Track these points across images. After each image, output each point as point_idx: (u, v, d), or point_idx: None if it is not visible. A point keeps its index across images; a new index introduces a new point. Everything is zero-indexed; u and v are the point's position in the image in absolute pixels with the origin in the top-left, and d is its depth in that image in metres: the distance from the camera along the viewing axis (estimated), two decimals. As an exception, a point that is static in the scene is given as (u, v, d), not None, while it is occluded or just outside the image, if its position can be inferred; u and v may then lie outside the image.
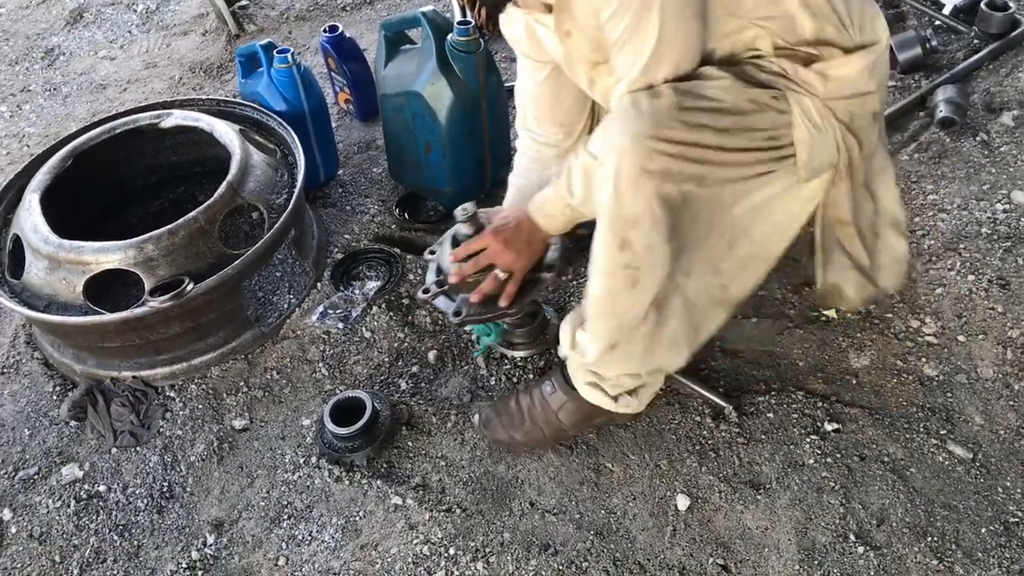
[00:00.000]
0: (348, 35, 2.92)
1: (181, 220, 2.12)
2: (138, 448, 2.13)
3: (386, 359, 2.25)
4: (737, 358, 2.17)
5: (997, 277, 2.28)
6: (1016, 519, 1.83)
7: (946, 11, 3.05)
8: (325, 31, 2.88)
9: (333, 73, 2.97)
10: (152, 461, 2.10)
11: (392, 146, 2.66)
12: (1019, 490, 1.87)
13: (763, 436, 2.01)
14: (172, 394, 2.23)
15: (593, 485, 1.95)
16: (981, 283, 2.27)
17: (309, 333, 2.32)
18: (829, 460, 1.95)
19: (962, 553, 1.78)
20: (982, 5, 2.98)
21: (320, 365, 2.25)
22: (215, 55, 3.34)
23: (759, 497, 1.90)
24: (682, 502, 1.90)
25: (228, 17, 3.38)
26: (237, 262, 2.10)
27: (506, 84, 2.57)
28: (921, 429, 2.00)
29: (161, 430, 2.16)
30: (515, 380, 2.17)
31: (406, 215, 2.64)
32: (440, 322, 2.32)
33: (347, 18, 3.45)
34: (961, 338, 2.16)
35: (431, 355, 2.24)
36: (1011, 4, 2.97)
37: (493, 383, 2.18)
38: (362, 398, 2.04)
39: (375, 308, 2.35)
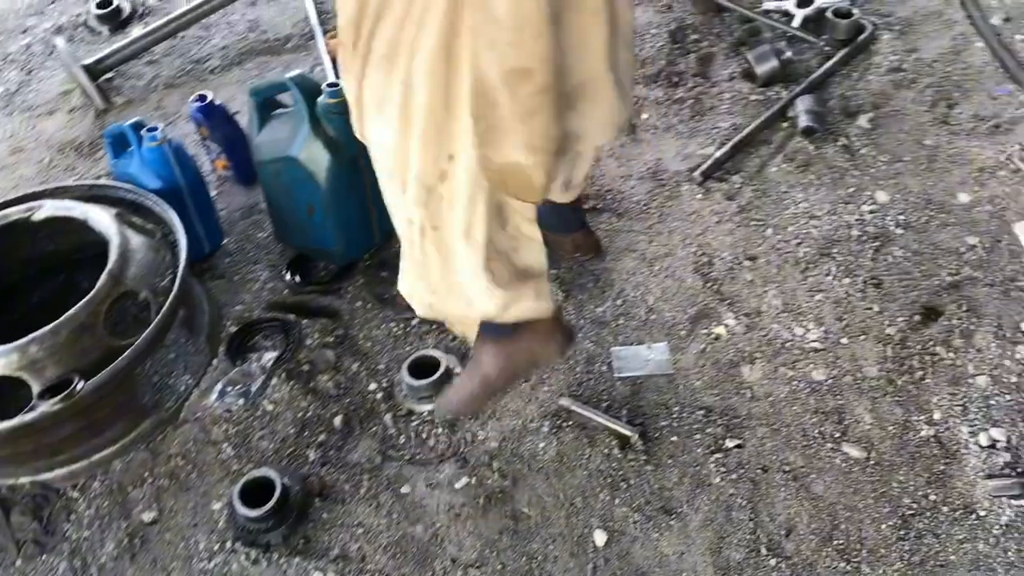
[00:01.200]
0: (218, 102, 2.89)
1: (63, 318, 2.07)
2: (44, 556, 2.06)
3: (292, 430, 2.23)
4: (636, 385, 2.23)
5: (871, 277, 2.40)
6: (912, 511, 1.92)
7: (796, 23, 3.19)
8: (194, 100, 2.84)
9: (207, 141, 2.93)
10: (60, 569, 2.04)
11: (275, 211, 2.64)
12: (912, 482, 1.97)
13: (669, 460, 2.07)
14: (75, 494, 2.17)
15: (512, 533, 1.97)
16: (857, 285, 2.38)
17: (210, 413, 2.28)
18: (734, 476, 2.02)
19: (867, 552, 1.86)
20: (828, 14, 3.13)
21: (225, 445, 2.22)
22: (84, 132, 3.26)
23: (672, 522, 1.95)
24: (600, 538, 1.94)
25: (93, 93, 3.30)
26: (126, 354, 2.06)
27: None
28: (816, 434, 2.08)
29: (67, 534, 2.10)
30: (424, 436, 2.18)
31: (298, 278, 2.62)
32: (343, 385, 2.32)
33: (217, 81, 3.41)
34: (844, 340, 2.27)
35: (337, 420, 2.24)
36: (854, 11, 3.12)
37: (403, 442, 2.18)
38: (270, 476, 2.02)
39: (275, 379, 2.33)
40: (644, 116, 3.07)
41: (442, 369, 2.22)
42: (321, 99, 2.40)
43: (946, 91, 2.90)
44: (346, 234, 2.59)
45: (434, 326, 2.40)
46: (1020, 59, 2.94)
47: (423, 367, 2.25)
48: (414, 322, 2.42)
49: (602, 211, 2.69)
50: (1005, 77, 2.90)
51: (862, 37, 3.13)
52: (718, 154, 2.81)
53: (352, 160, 2.46)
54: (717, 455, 2.06)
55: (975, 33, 3.08)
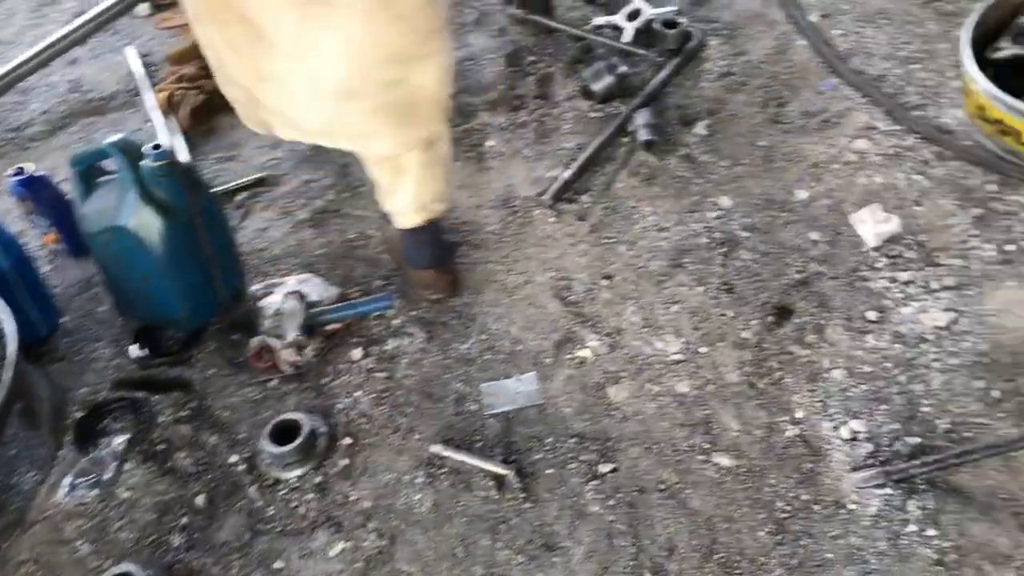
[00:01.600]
0: (40, 172, 2.72)
1: None
2: None
3: (152, 517, 2.11)
4: (508, 420, 2.19)
5: (722, 283, 2.43)
6: (786, 514, 1.95)
7: (626, 37, 3.23)
8: (12, 174, 2.67)
9: (33, 215, 2.76)
10: None
11: (111, 283, 2.50)
12: (783, 484, 2.00)
13: (547, 494, 2.04)
14: (-86, 621, 1.98)
15: (394, 595, 1.91)
16: (710, 292, 2.42)
17: (61, 510, 2.14)
18: (612, 502, 2.01)
19: (748, 562, 1.87)
20: (655, 25, 3.18)
21: (80, 543, 2.08)
22: None
23: (555, 559, 1.93)
24: (484, 587, 1.89)
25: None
26: (-45, 463, 1.89)
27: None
28: (687, 448, 2.09)
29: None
30: (294, 505, 2.09)
31: (145, 351, 2.48)
32: (203, 461, 2.20)
33: (39, 149, 3.23)
34: (703, 349, 2.29)
35: (199, 500, 2.13)
36: (681, 21, 3.18)
37: (272, 513, 2.08)
38: (131, 572, 1.90)
39: (129, 463, 2.20)
40: (490, 144, 3.05)
41: (305, 432, 2.13)
42: (146, 162, 2.28)
43: (775, 91, 2.99)
44: (189, 299, 2.48)
45: (293, 385, 2.31)
46: (839, 53, 3.05)
47: (285, 432, 2.17)
48: (271, 384, 2.32)
49: (458, 244, 2.65)
50: (828, 72, 3.00)
51: (691, 45, 3.19)
52: (566, 175, 2.81)
53: (186, 221, 2.36)
54: (594, 482, 2.04)
55: (796, 31, 3.18)
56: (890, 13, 3.14)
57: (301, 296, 2.51)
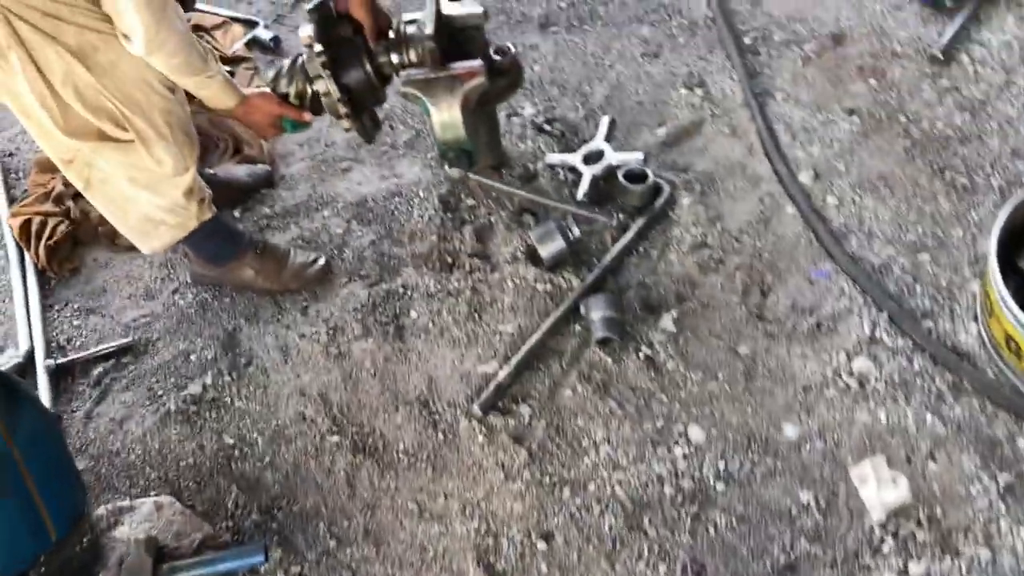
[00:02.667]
0: None
1: None
2: None
3: None
4: None
5: (692, 560, 1.91)
6: None
7: (584, 186, 2.71)
8: None
9: None
10: None
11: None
12: None
13: None
14: None
15: None
16: (675, 574, 1.88)
17: None
18: None
19: None
20: (620, 177, 2.66)
21: None
22: None
23: None
24: None
25: None
26: None
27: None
28: None
29: None
30: None
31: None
32: None
33: None
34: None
35: None
36: (649, 173, 2.66)
37: None
38: None
39: None
40: (414, 315, 2.50)
41: None
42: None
43: (758, 273, 2.49)
44: (7, 545, 1.88)
45: None
46: (834, 229, 2.56)
47: None
48: None
49: (362, 455, 2.10)
50: (820, 253, 2.50)
51: (659, 202, 2.67)
52: (501, 376, 2.29)
53: (3, 457, 1.77)
54: None
55: (784, 193, 2.68)
56: (893, 181, 2.66)
57: (150, 545, 1.93)
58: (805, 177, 2.72)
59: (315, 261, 2.61)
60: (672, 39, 3.25)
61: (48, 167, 2.88)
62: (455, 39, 2.38)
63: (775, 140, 2.84)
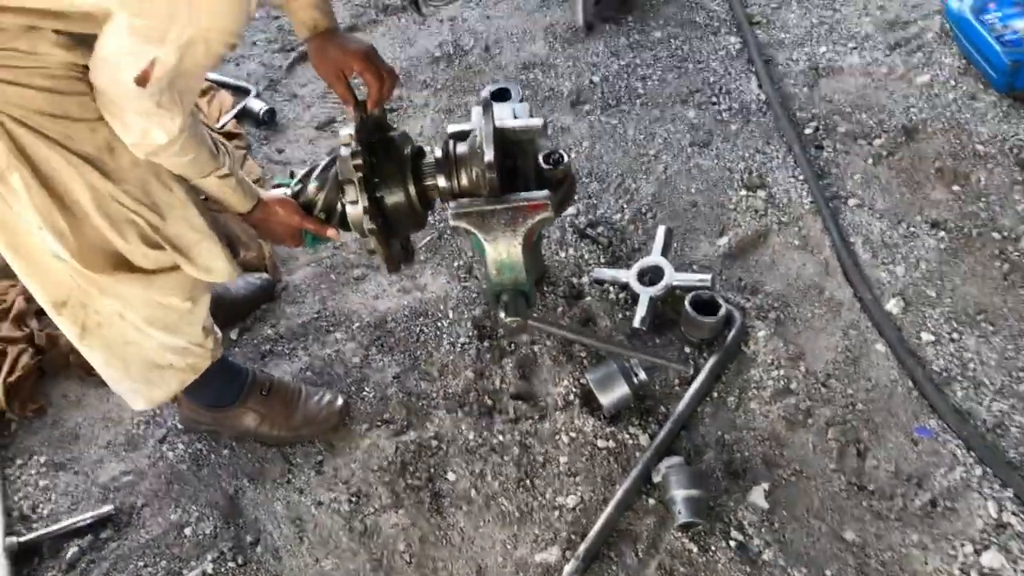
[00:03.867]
0: None
1: None
2: None
3: None
4: None
5: None
6: None
7: (640, 311, 2.36)
8: None
9: None
10: None
11: None
12: None
13: None
14: None
15: None
16: None
17: None
18: None
19: None
20: (688, 307, 2.29)
21: None
22: None
23: None
24: None
25: None
26: None
27: None
28: None
29: None
30: None
31: None
32: None
33: None
34: None
35: None
36: (719, 300, 2.30)
37: None
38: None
39: None
40: (452, 477, 2.10)
41: None
42: None
43: (852, 429, 2.14)
44: None
45: None
46: (932, 374, 2.22)
47: None
48: None
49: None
50: (921, 404, 2.16)
51: (731, 335, 2.30)
52: (568, 572, 1.88)
53: None
54: None
55: (869, 323, 2.34)
56: (994, 314, 2.33)
57: None
58: (893, 306, 2.38)
59: (331, 402, 2.20)
60: (723, 125, 2.89)
61: (5, 273, 2.40)
62: (505, 152, 1.99)
63: (854, 258, 2.49)
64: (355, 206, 1.85)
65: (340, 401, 2.22)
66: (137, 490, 2.11)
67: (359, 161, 1.80)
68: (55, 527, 2.05)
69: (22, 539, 2.02)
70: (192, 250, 1.71)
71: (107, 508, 2.08)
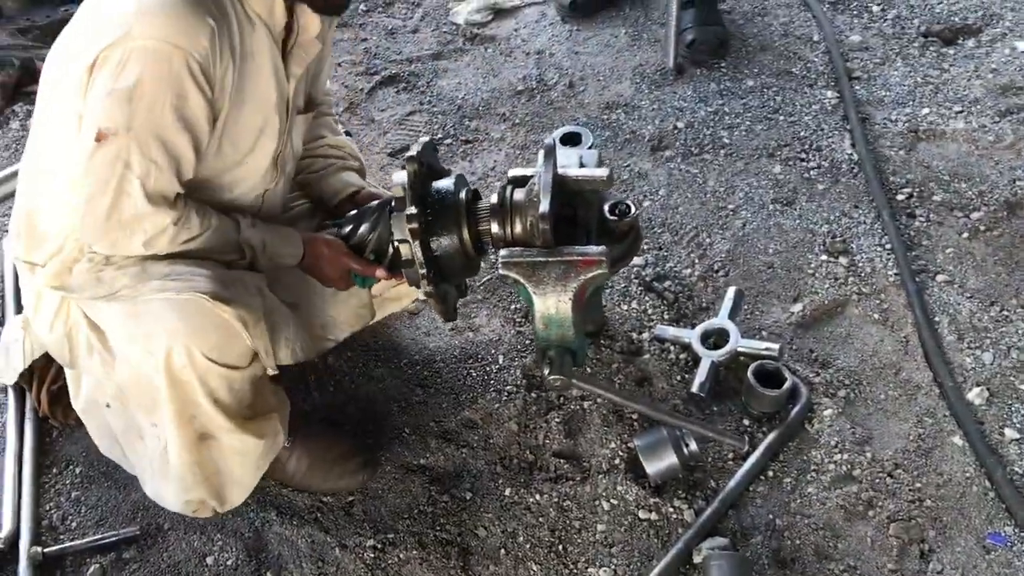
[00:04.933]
0: None
1: None
2: None
3: None
4: None
5: None
6: None
7: (700, 375, 2.25)
8: None
9: None
10: None
11: None
12: None
13: None
14: None
15: None
16: None
17: None
18: None
19: None
20: (751, 377, 2.15)
21: None
22: None
23: None
24: None
25: None
26: None
27: None
28: None
29: None
30: None
31: None
32: None
33: None
34: None
35: None
36: (786, 373, 2.15)
37: None
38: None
39: None
40: (482, 533, 2.02)
41: None
42: None
43: (918, 527, 1.98)
44: None
45: None
46: (1015, 478, 2.03)
47: None
48: None
49: None
50: (998, 509, 1.97)
51: (795, 411, 2.16)
52: (593, 654, 1.76)
53: None
54: None
55: (948, 412, 2.16)
56: (1091, 413, 2.12)
57: None
58: (976, 396, 2.20)
59: (352, 472, 2.13)
60: (809, 184, 2.75)
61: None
62: (566, 201, 1.90)
63: (937, 339, 2.32)
64: (411, 267, 1.80)
65: (360, 478, 2.13)
66: (165, 512, 2.08)
67: (415, 225, 1.74)
68: (80, 541, 2.03)
69: (47, 550, 2.00)
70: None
71: (133, 528, 2.05)
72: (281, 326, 1.79)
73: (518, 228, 1.83)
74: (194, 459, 1.78)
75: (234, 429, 1.76)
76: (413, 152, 1.78)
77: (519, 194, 1.84)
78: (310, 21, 1.76)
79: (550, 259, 1.78)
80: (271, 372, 1.79)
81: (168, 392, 1.69)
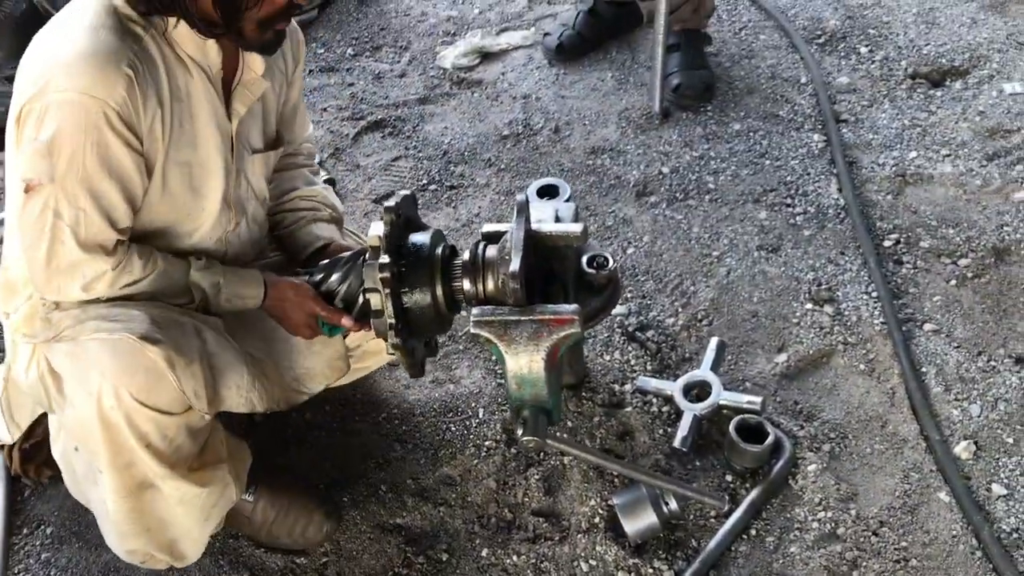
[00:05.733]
0: None
1: None
2: None
3: None
4: None
5: None
6: None
7: (683, 429, 2.21)
8: None
9: None
10: None
11: None
12: None
13: None
14: None
15: None
16: None
17: None
18: None
19: None
20: (732, 432, 2.11)
21: None
22: None
23: None
24: None
25: None
26: None
27: None
28: None
29: None
30: None
31: None
32: None
33: None
34: None
35: None
36: (768, 427, 2.11)
37: None
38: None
39: None
40: (453, 597, 1.95)
41: None
42: None
43: (905, 592, 1.91)
44: None
45: None
46: (1003, 535, 1.99)
47: None
48: None
49: None
50: (985, 569, 1.93)
51: (778, 466, 2.12)
52: None
53: None
54: None
55: (934, 467, 2.12)
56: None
57: None
58: (962, 450, 2.17)
59: (314, 530, 2.08)
60: (795, 230, 2.72)
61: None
62: (541, 255, 1.87)
63: (924, 390, 2.28)
64: (379, 318, 1.77)
65: (324, 530, 2.09)
66: (135, 573, 2.04)
67: (386, 274, 1.71)
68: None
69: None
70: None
71: None
72: (229, 372, 1.76)
73: (490, 286, 1.80)
74: (131, 506, 1.76)
75: (172, 476, 1.73)
76: (391, 203, 1.76)
77: (492, 251, 1.82)
78: (254, 59, 1.77)
79: (522, 318, 1.75)
80: (205, 417, 1.75)
81: (102, 434, 1.67)
